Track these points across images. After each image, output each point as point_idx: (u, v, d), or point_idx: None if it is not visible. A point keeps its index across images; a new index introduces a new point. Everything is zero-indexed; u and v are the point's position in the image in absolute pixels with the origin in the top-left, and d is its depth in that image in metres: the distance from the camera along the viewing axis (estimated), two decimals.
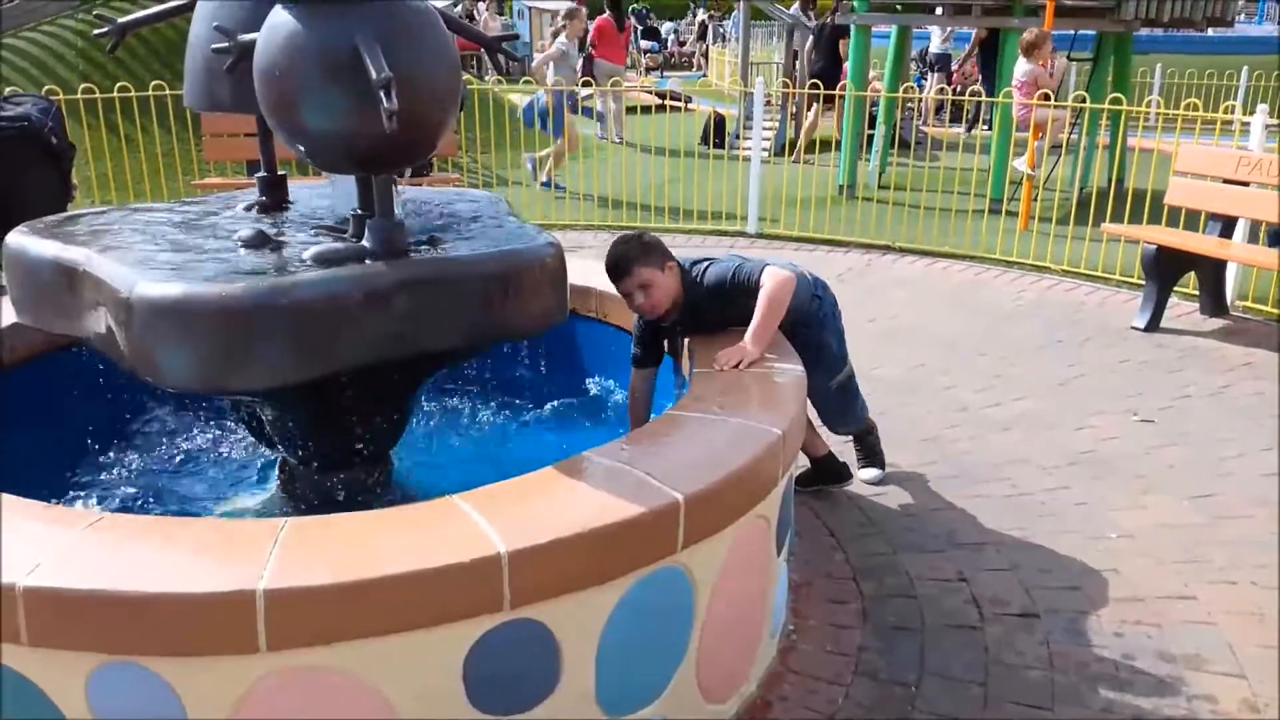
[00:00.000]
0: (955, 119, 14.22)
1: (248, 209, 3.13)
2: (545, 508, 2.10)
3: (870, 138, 11.35)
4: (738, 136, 13.85)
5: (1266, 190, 5.64)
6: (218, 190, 8.34)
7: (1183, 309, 6.18)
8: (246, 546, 1.92)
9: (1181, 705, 2.64)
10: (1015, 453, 4.18)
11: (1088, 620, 3.01)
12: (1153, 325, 5.79)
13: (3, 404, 3.18)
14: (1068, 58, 10.72)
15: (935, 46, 15.82)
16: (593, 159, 11.57)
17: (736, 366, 2.87)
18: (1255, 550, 3.40)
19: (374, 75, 2.14)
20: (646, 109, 16.88)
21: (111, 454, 3.38)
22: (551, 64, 11.12)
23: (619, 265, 3.08)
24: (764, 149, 12.57)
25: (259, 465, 3.38)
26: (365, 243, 2.55)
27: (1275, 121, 6.57)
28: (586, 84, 12.04)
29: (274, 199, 3.22)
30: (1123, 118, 9.60)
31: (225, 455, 3.48)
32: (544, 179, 10.29)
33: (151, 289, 2.23)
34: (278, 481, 3.16)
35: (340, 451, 2.93)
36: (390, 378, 2.75)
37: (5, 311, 3.07)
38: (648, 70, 25.27)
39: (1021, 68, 9.02)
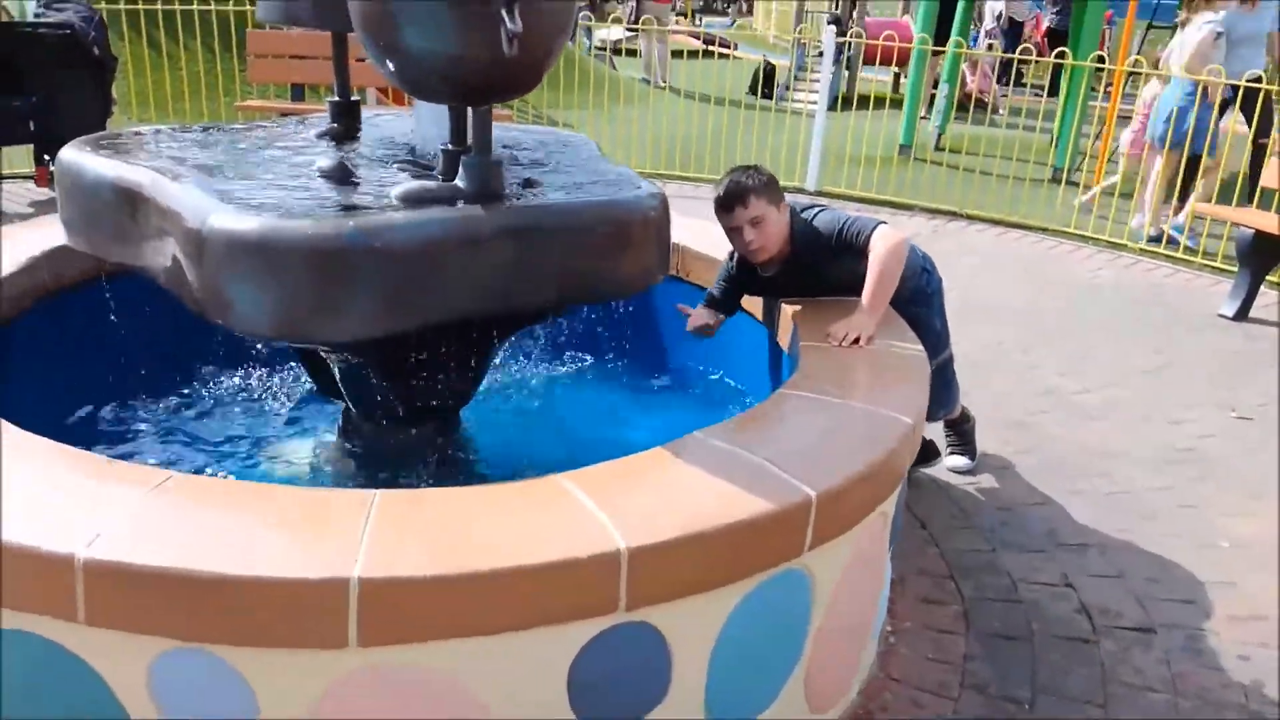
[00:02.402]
0: (1018, 82, 13.75)
1: (319, 136, 2.87)
2: (662, 498, 1.86)
3: (932, 97, 10.94)
4: (788, 88, 13.45)
5: None
6: (261, 114, 8.09)
7: (1269, 298, 5.86)
8: (335, 524, 1.69)
9: None
10: (1110, 445, 3.92)
11: (1207, 639, 2.77)
12: (1242, 314, 5.49)
13: (41, 338, 2.95)
14: (1149, 26, 10.24)
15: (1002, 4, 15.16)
16: (636, 105, 11.20)
17: (856, 343, 2.61)
18: None
19: None
20: (692, 53, 16.43)
21: (158, 393, 3.16)
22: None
23: (735, 193, 2.81)
24: (813, 102, 12.23)
25: (316, 411, 3.15)
26: (459, 182, 2.28)
27: None
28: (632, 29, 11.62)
29: (347, 126, 2.96)
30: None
31: (281, 396, 3.25)
32: None
33: (227, 221, 1.98)
34: (339, 431, 2.94)
35: (410, 407, 2.69)
36: (473, 332, 2.50)
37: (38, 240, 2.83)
38: (690, 14, 24.64)
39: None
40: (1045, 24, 14.66)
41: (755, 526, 1.81)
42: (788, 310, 2.93)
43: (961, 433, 3.56)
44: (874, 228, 2.81)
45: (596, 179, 2.59)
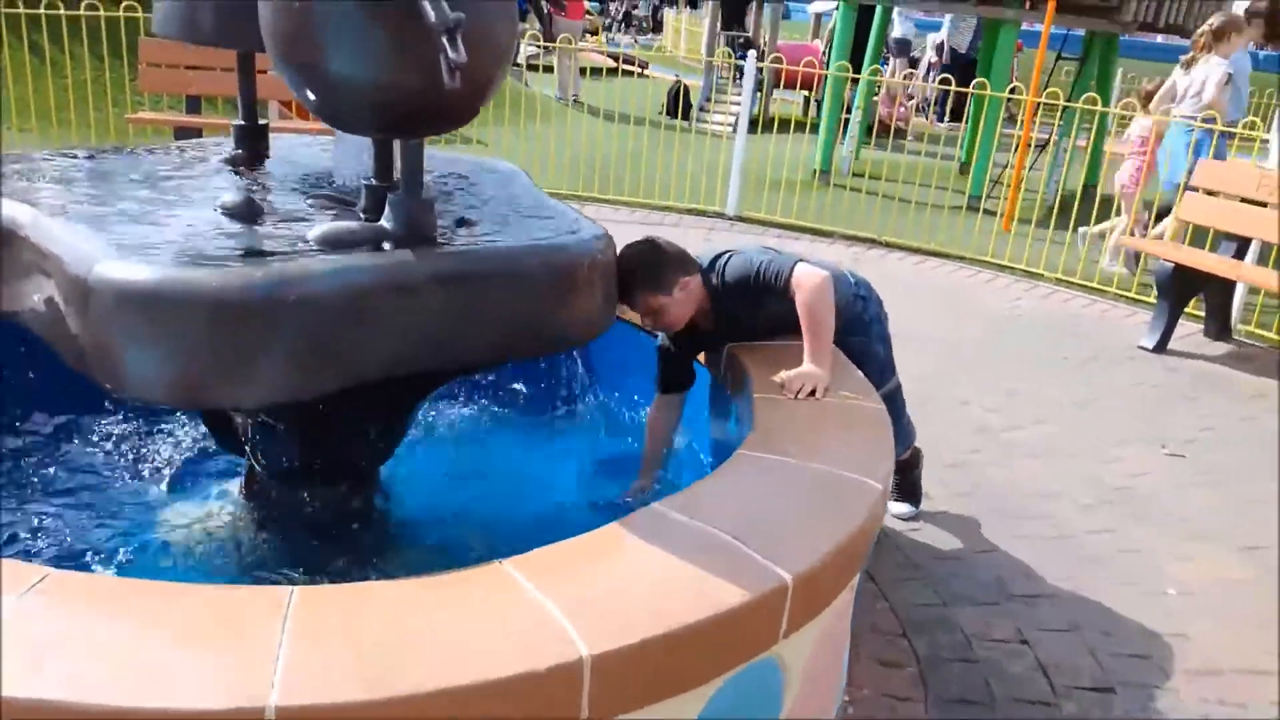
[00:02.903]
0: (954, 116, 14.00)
1: (223, 164, 2.59)
2: (623, 587, 1.65)
3: (845, 122, 11.00)
4: (703, 109, 13.42)
5: None
6: (154, 128, 7.62)
7: (1184, 329, 5.94)
8: (245, 632, 1.44)
9: None
10: (1048, 485, 3.86)
11: (1165, 697, 2.68)
12: (1161, 346, 5.54)
13: None
14: (1058, 57, 10.46)
15: (897, 31, 15.42)
16: (552, 122, 10.99)
17: (811, 395, 2.45)
18: None
19: (432, 16, 1.64)
20: (603, 71, 16.30)
21: (19, 449, 2.81)
22: None
23: (621, 293, 2.55)
24: (729, 124, 12.20)
25: (213, 465, 2.85)
26: (384, 223, 2.05)
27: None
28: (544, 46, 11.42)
29: (253, 153, 2.69)
30: (1097, 119, 9.44)
31: (171, 448, 2.92)
32: None
33: (117, 270, 1.71)
34: (240, 492, 2.65)
35: (324, 467, 2.44)
36: (397, 388, 2.26)
37: None
38: (600, 31, 24.56)
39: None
40: (947, 47, 15.02)
41: (731, 619, 1.62)
42: (735, 356, 2.75)
43: (909, 478, 3.43)
44: (791, 269, 2.65)
45: (533, 216, 2.38)
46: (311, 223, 2.11)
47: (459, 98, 1.92)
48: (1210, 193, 5.77)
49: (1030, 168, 9.75)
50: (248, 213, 2.13)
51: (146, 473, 2.76)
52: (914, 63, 15.84)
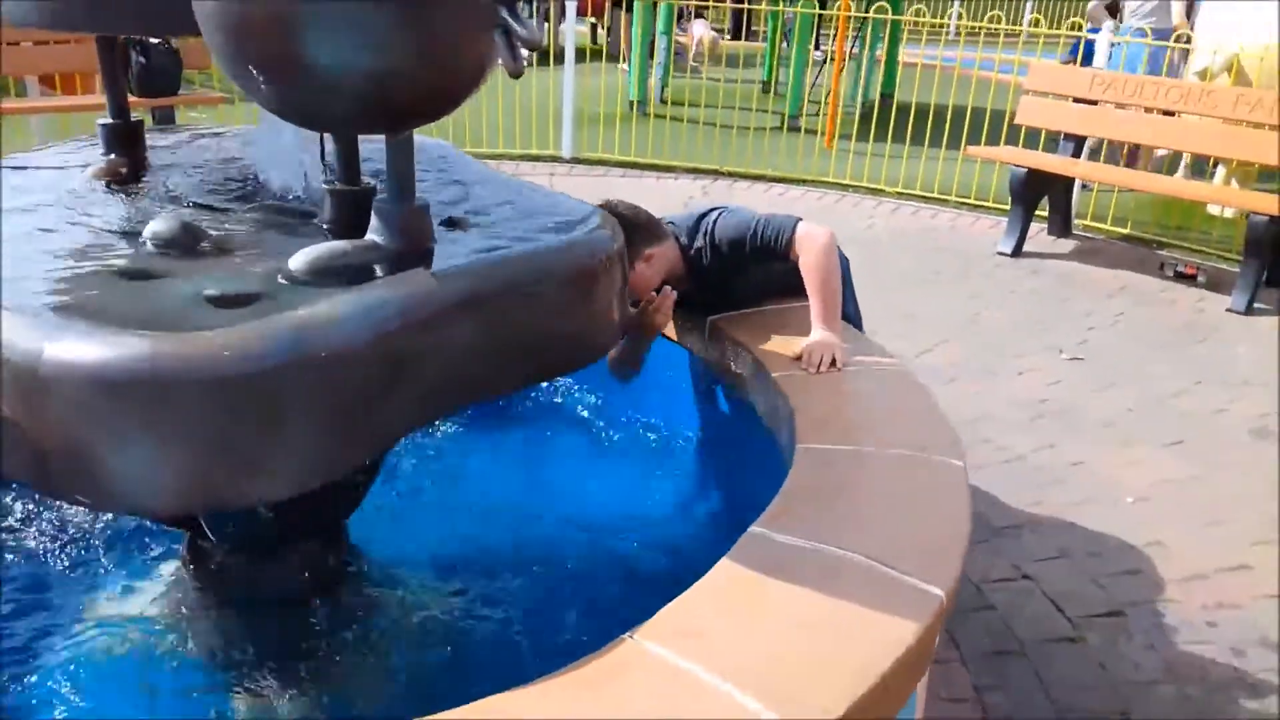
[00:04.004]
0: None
1: (100, 176, 2.09)
2: (785, 643, 1.42)
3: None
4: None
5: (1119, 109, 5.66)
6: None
7: (1031, 229, 6.16)
8: None
9: None
10: (977, 407, 3.87)
11: (1171, 611, 2.73)
12: (1018, 249, 5.72)
13: None
14: None
15: None
16: None
17: (833, 365, 2.26)
18: (1263, 502, 3.27)
19: None
20: None
21: None
22: None
23: None
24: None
25: (143, 543, 2.36)
26: (374, 236, 1.67)
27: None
28: None
29: (132, 158, 2.19)
30: (887, 28, 9.65)
31: (87, 528, 2.39)
32: None
33: (82, 350, 1.28)
34: (183, 566, 2.21)
35: (291, 525, 2.05)
36: None
37: None
38: None
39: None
40: None
41: (911, 656, 1.42)
42: (722, 330, 2.52)
43: None
44: (793, 228, 2.45)
45: (516, 203, 2.04)
46: (271, 246, 1.70)
47: (459, 81, 1.58)
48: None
49: (813, 84, 9.89)
50: (189, 242, 1.69)
51: (58, 559, 2.25)
52: None
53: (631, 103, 9.46)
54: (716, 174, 7.26)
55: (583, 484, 2.52)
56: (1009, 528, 3.08)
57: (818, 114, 9.20)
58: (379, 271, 1.61)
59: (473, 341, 1.63)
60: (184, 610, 2.13)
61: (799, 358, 2.30)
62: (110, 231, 1.75)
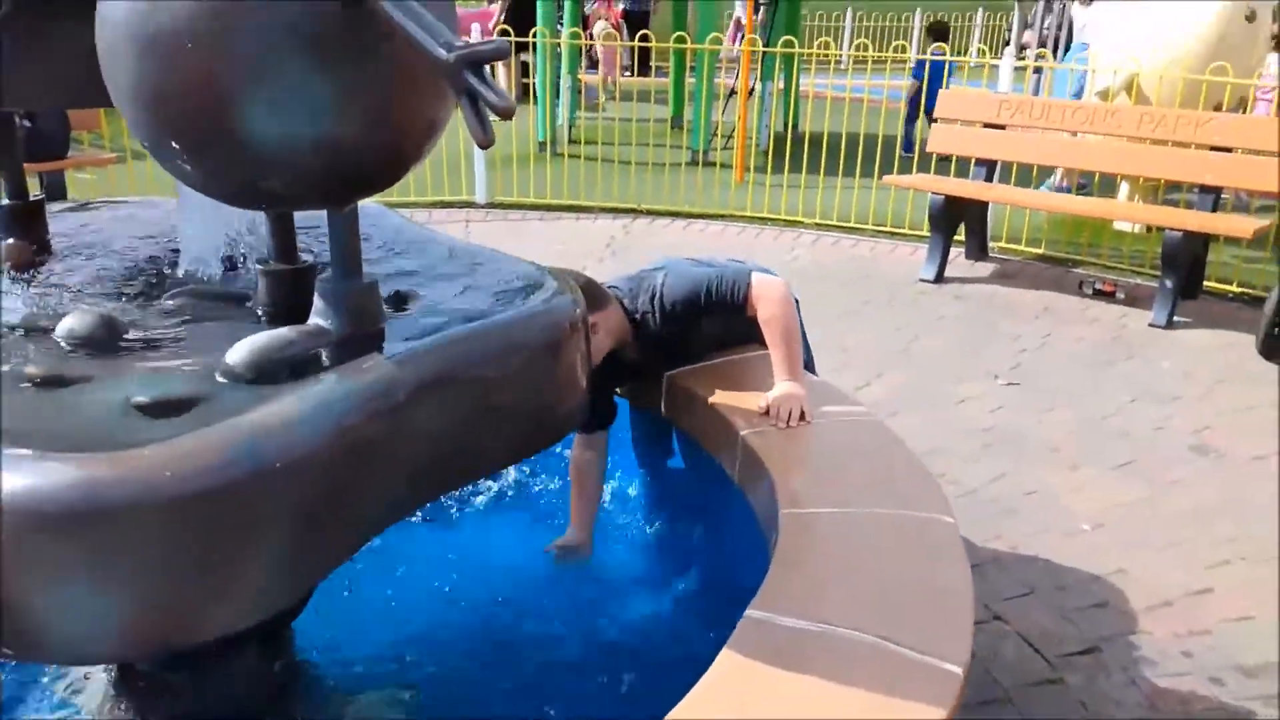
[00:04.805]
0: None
1: (2, 265, 1.89)
2: None
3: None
4: None
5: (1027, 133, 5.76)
6: None
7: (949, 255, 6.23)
8: None
9: None
10: (924, 439, 3.82)
11: (1144, 643, 2.69)
12: (939, 276, 5.76)
13: None
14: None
15: None
16: None
17: (801, 418, 2.17)
18: (1213, 521, 3.29)
19: (442, 52, 1.16)
20: None
21: None
22: None
23: None
24: None
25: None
26: (319, 320, 1.52)
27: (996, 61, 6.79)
28: None
29: (34, 239, 1.99)
30: (795, 61, 9.78)
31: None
32: None
33: (32, 481, 1.11)
34: (112, 682, 1.99)
35: (222, 640, 1.85)
36: None
37: None
38: None
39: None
40: (621, 6, 15.11)
41: None
42: (679, 385, 2.41)
43: None
44: (748, 280, 2.37)
45: (466, 271, 1.90)
46: (203, 339, 1.54)
47: (411, 147, 1.46)
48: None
49: (721, 116, 9.97)
50: (109, 338, 1.51)
51: None
52: (586, 21, 15.85)
53: (541, 143, 9.37)
54: (635, 212, 7.19)
55: (543, 566, 2.37)
56: (973, 566, 3.01)
57: (728, 147, 9.24)
58: (328, 360, 1.47)
59: (441, 424, 1.49)
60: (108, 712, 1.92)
61: (766, 412, 2.20)
62: (17, 329, 1.56)
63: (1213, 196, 5.14)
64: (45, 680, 2.01)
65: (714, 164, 8.77)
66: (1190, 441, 3.86)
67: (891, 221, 6.74)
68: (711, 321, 2.41)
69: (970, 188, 5.75)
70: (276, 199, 1.48)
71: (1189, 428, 3.98)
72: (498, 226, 6.67)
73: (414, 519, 2.57)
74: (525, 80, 10.78)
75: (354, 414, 1.33)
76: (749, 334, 2.45)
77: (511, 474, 2.71)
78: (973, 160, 5.98)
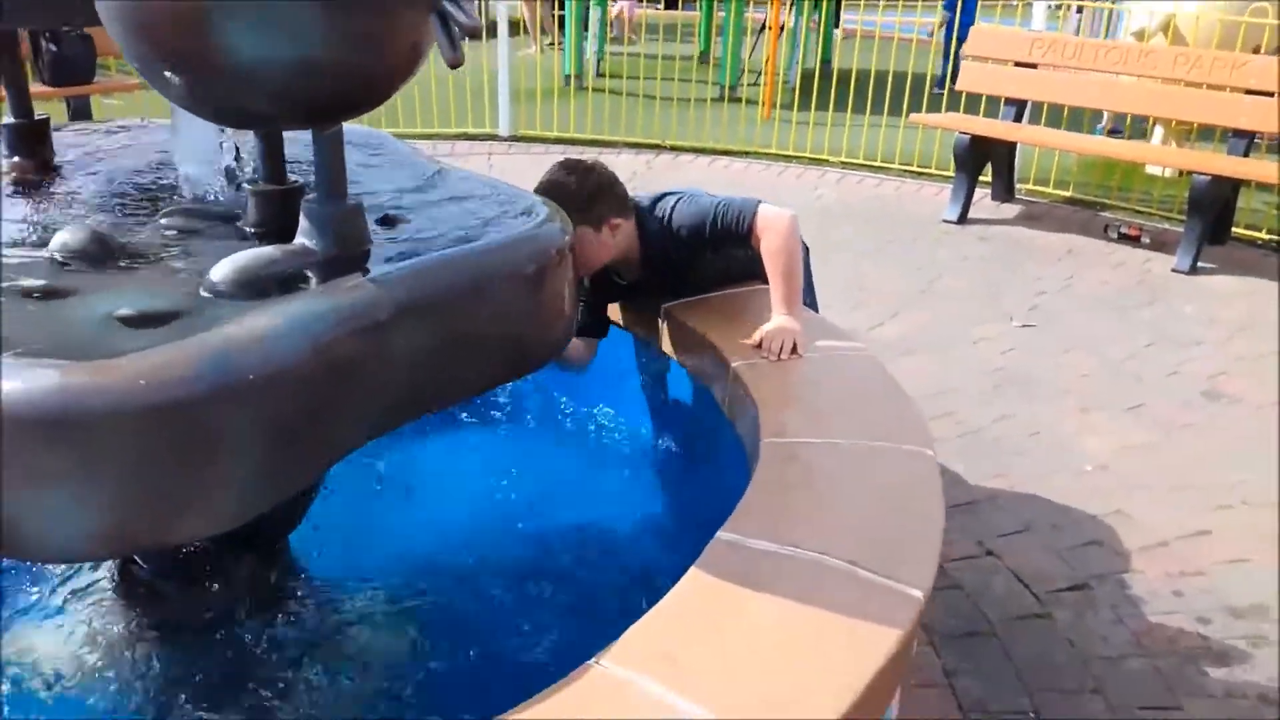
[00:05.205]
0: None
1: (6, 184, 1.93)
2: (768, 662, 1.34)
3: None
4: None
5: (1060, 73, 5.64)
6: None
7: (974, 195, 6.15)
8: None
9: None
10: (935, 380, 3.84)
11: (1135, 582, 2.71)
12: (963, 216, 5.70)
13: None
14: None
15: None
16: None
17: (794, 352, 2.18)
18: (1221, 465, 3.28)
19: None
20: None
21: None
22: None
23: None
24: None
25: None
26: (304, 239, 1.55)
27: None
28: None
29: (38, 159, 2.03)
30: None
31: None
32: None
33: (12, 385, 1.16)
34: (115, 590, 2.07)
35: (225, 546, 1.93)
36: None
37: None
38: None
39: None
40: None
41: (892, 665, 1.36)
42: (677, 317, 2.43)
43: None
44: (755, 210, 2.36)
45: (457, 196, 1.92)
46: (192, 256, 1.58)
47: (394, 70, 1.47)
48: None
49: (751, 53, 9.83)
50: (100, 253, 1.55)
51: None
52: None
53: (567, 77, 9.30)
54: (659, 148, 7.15)
55: (534, 489, 2.42)
56: (971, 503, 3.05)
57: (756, 84, 9.12)
58: (312, 279, 1.50)
59: (422, 347, 1.52)
60: (116, 643, 2.00)
61: (759, 345, 2.22)
62: (13, 244, 1.60)
63: (1245, 141, 5.02)
64: (43, 587, 2.10)
65: (741, 100, 8.67)
66: (1203, 388, 3.83)
67: (919, 161, 6.65)
68: (717, 251, 2.40)
69: (997, 127, 5.66)
70: (261, 119, 1.51)
71: (1204, 373, 3.95)
72: (520, 160, 6.65)
73: (422, 444, 2.63)
74: (561, 13, 10.66)
75: (331, 331, 1.36)
76: (753, 271, 2.45)
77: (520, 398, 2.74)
78: (1002, 100, 5.87)
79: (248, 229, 1.68)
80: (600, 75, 9.93)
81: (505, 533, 2.31)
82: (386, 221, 1.75)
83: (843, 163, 6.86)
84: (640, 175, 6.50)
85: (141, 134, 2.22)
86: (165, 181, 1.93)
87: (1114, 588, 2.69)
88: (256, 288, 1.45)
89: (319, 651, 2.06)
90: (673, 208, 2.40)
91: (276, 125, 1.55)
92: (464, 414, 2.67)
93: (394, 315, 1.47)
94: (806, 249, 2.81)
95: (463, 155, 6.75)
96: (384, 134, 2.28)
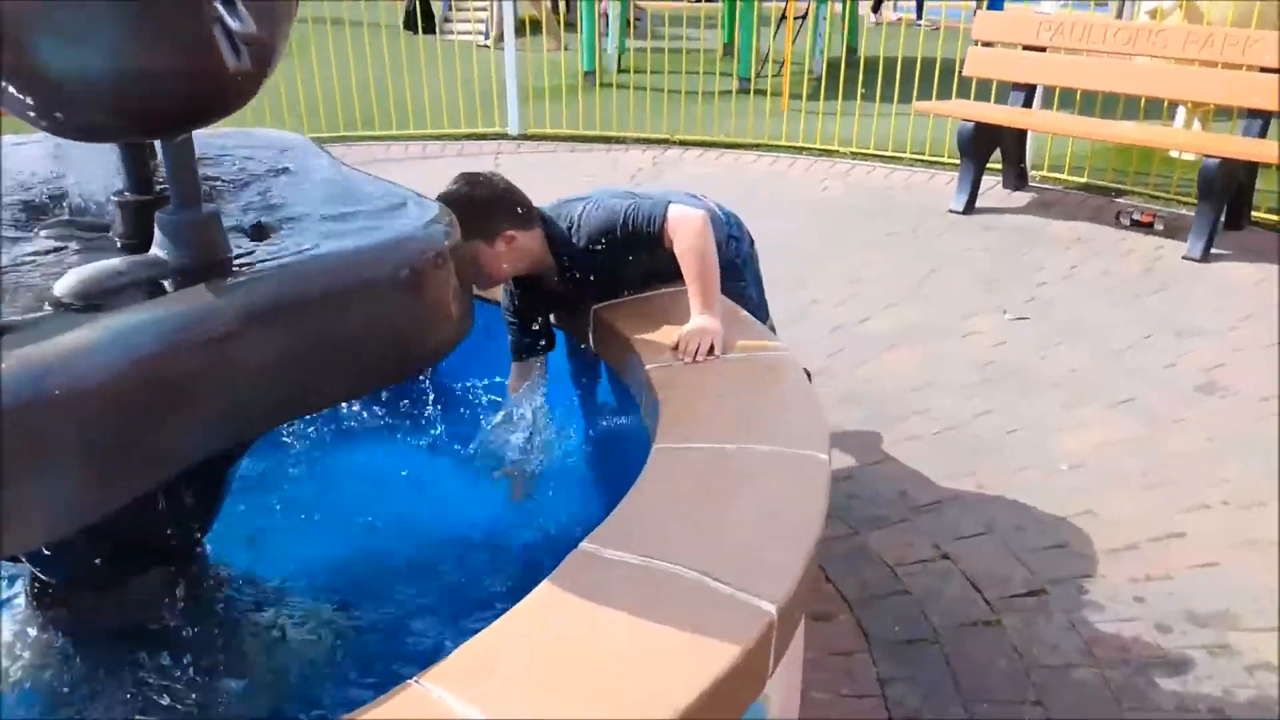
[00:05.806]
0: None
1: None
2: (596, 680, 1.30)
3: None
4: (447, 19, 12.65)
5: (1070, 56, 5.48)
6: None
7: (984, 184, 6.00)
8: None
9: (1248, 682, 2.29)
10: (917, 375, 3.74)
11: (1096, 587, 2.61)
12: (970, 206, 5.56)
13: None
14: None
15: None
16: (294, 55, 9.93)
17: (710, 353, 2.13)
18: (1207, 463, 3.15)
19: None
20: None
21: None
22: None
23: None
24: (479, 31, 11.49)
25: None
26: (157, 251, 1.54)
27: None
28: None
29: None
30: None
31: None
32: None
33: None
34: (28, 602, 2.09)
35: (131, 560, 1.94)
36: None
37: None
38: None
39: None
40: None
41: (728, 680, 1.31)
42: (603, 318, 2.39)
43: None
44: (664, 211, 2.30)
45: (341, 203, 1.90)
46: (54, 269, 1.57)
47: (240, 76, 1.44)
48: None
49: (772, 42, 9.69)
50: None
51: None
52: None
53: (587, 74, 9.26)
54: (667, 143, 7.09)
55: (452, 491, 2.40)
56: (933, 504, 2.96)
57: (777, 75, 9.00)
58: (166, 289, 1.49)
59: (273, 356, 1.51)
60: (29, 647, 2.02)
61: (676, 347, 2.17)
62: None
63: (1261, 121, 4.82)
64: None
65: (763, 92, 8.56)
66: (1198, 381, 3.68)
67: (930, 150, 6.51)
68: (634, 254, 2.36)
69: (1000, 113, 5.51)
70: (101, 132, 1.49)
71: (1202, 365, 3.80)
72: (527, 159, 6.64)
73: (348, 438, 2.64)
74: (570, 16, 10.64)
75: (152, 345, 1.35)
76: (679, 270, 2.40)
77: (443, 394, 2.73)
78: (1011, 85, 5.71)
79: (117, 240, 1.67)
80: (623, 70, 9.87)
81: (417, 538, 2.30)
82: (259, 229, 1.73)
83: (854, 153, 6.74)
84: (644, 171, 6.45)
85: (39, 147, 2.22)
86: (55, 194, 1.93)
87: (1072, 593, 2.59)
88: (100, 299, 1.44)
89: (235, 656, 2.07)
90: (580, 214, 2.35)
91: (118, 137, 1.53)
92: (382, 414, 2.66)
93: (240, 324, 1.45)
94: (752, 241, 2.76)
95: (470, 155, 6.75)
96: (298, 138, 2.27)
